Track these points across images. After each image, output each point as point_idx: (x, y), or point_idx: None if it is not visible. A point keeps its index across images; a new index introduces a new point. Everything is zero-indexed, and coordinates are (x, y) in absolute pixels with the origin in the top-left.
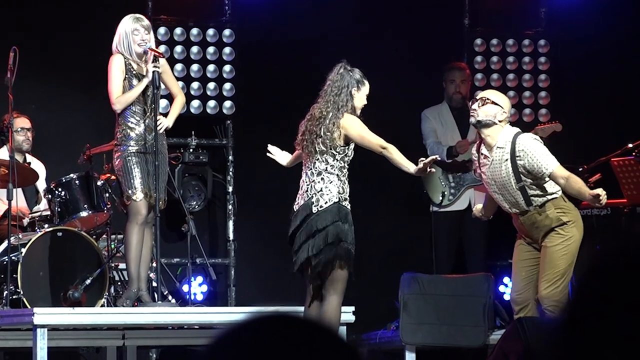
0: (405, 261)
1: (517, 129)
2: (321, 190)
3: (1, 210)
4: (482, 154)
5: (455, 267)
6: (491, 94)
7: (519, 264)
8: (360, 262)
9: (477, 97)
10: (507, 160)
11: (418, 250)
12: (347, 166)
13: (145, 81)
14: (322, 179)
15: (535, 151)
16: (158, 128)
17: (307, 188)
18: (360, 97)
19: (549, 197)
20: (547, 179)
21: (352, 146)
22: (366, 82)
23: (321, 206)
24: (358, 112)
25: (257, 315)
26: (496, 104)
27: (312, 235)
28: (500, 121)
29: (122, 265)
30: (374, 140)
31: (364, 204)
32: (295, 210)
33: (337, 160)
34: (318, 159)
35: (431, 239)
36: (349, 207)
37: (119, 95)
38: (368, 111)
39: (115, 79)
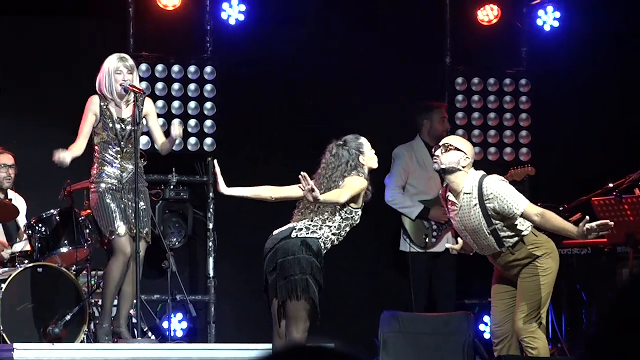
0: (385, 299)
1: (482, 172)
2: (309, 227)
3: None
4: (449, 200)
5: (433, 307)
6: (454, 140)
7: (498, 296)
8: (340, 300)
9: (440, 144)
10: (476, 205)
11: (398, 289)
12: (346, 229)
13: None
14: (317, 222)
15: (504, 193)
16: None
17: (299, 220)
18: (370, 158)
19: (521, 236)
20: (518, 218)
21: (359, 212)
22: (362, 140)
23: (302, 235)
24: (367, 170)
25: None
26: (459, 150)
27: (284, 258)
28: (464, 167)
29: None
30: (343, 195)
31: (345, 242)
32: (274, 234)
33: (342, 218)
34: (328, 210)
35: (409, 279)
36: (324, 252)
37: (78, 141)
38: None
39: (85, 121)
